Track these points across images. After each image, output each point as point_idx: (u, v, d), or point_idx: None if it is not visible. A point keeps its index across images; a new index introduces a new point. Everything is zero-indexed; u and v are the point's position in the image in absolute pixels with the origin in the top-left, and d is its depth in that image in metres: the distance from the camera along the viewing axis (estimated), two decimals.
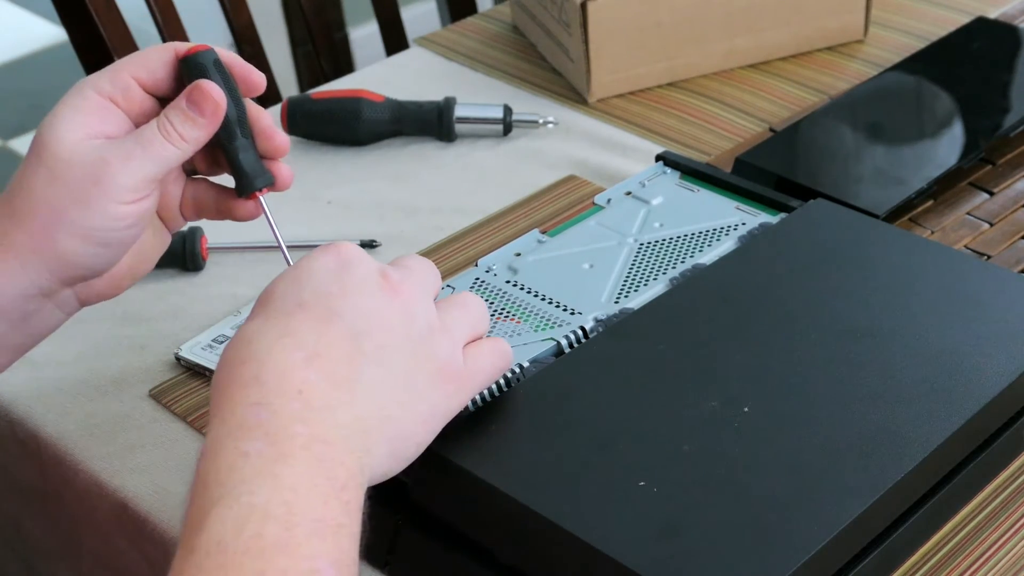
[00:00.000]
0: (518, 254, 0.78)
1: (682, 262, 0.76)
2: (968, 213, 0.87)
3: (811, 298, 0.71)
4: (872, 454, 0.61)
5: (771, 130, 0.99)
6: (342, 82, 1.11)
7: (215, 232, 0.88)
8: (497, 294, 0.75)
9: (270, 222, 0.68)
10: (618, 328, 0.70)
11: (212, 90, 0.65)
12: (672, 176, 0.85)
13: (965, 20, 1.07)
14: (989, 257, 0.83)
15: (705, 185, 0.84)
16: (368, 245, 0.89)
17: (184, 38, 1.23)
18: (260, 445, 0.53)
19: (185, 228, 0.87)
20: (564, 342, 0.70)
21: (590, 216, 0.82)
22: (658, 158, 0.87)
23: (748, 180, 0.83)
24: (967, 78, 0.98)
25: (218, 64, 0.66)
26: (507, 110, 1.00)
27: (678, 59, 1.05)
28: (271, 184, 0.68)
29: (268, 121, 0.68)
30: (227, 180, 0.69)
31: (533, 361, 0.69)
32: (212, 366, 0.78)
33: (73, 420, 0.77)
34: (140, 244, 0.67)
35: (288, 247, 0.69)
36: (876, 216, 0.83)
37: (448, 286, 0.75)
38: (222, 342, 0.80)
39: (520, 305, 0.74)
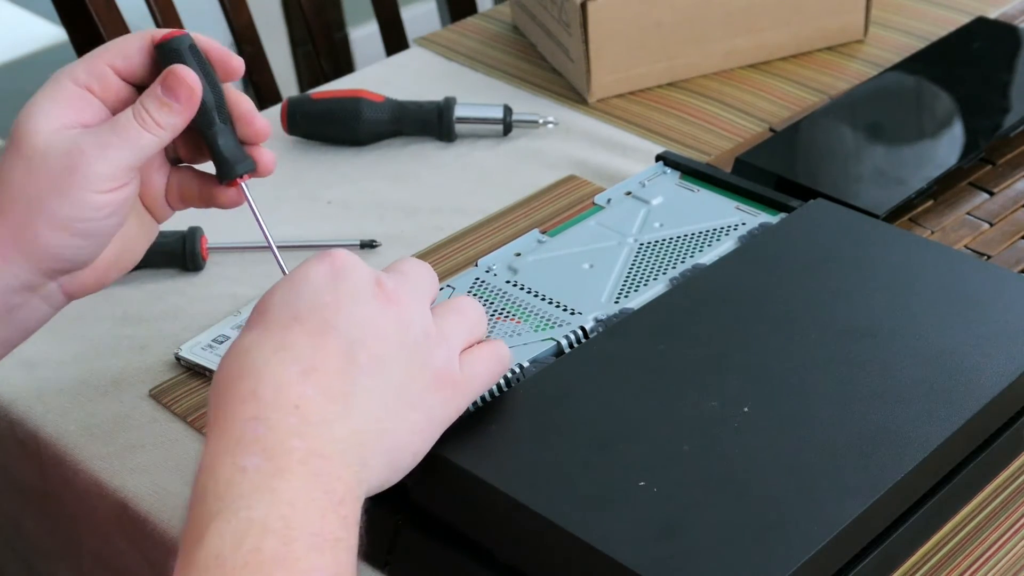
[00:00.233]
0: (518, 254, 0.78)
1: (682, 262, 0.76)
2: (968, 213, 0.87)
3: (811, 298, 0.71)
4: (872, 454, 0.61)
5: (771, 130, 0.99)
6: (342, 82, 1.11)
7: (215, 232, 0.88)
8: (497, 294, 0.75)
9: (252, 208, 0.68)
10: (618, 328, 0.70)
11: (187, 75, 0.64)
12: (672, 176, 0.85)
13: (965, 20, 1.07)
14: (989, 257, 0.83)
15: (705, 185, 0.84)
16: (368, 245, 0.89)
17: None
18: (258, 460, 0.52)
19: (185, 228, 0.87)
20: (564, 342, 0.70)
21: (590, 216, 0.82)
22: (658, 158, 0.87)
23: (748, 180, 0.83)
24: (967, 78, 0.98)
25: (193, 49, 0.65)
26: (507, 110, 1.00)
27: (678, 59, 1.05)
28: (252, 170, 0.67)
29: (248, 106, 0.67)
30: (212, 167, 0.68)
31: (533, 361, 0.69)
32: (212, 366, 0.78)
33: (73, 420, 0.77)
34: (125, 234, 0.67)
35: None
36: (876, 216, 0.83)
37: (448, 286, 0.75)
38: (222, 342, 0.80)
39: (520, 305, 0.74)
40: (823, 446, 0.61)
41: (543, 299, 0.74)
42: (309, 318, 0.57)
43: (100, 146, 0.63)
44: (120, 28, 1.18)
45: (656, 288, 0.74)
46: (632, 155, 0.98)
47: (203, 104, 0.65)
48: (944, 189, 0.89)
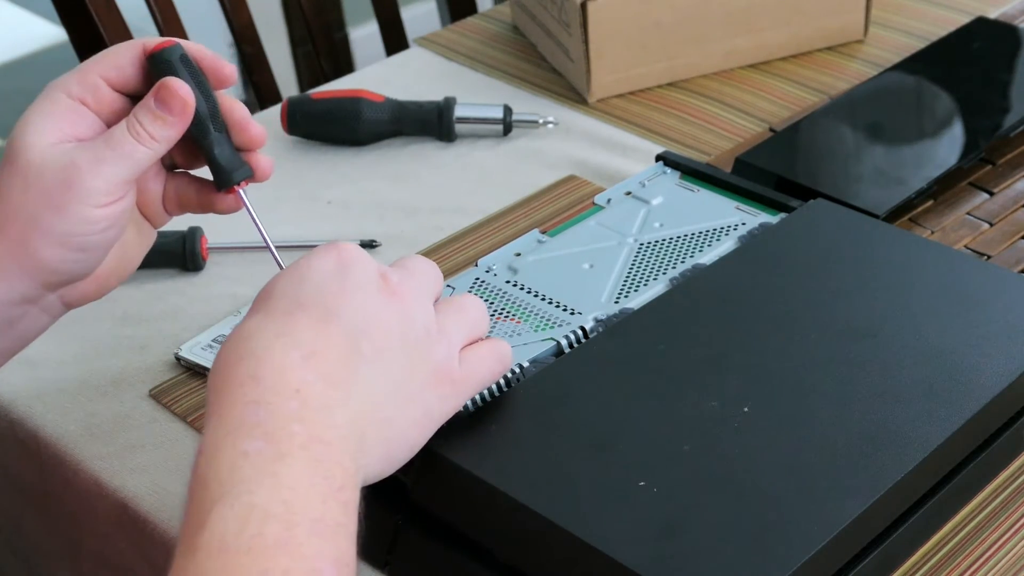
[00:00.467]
0: (518, 254, 0.78)
1: (682, 262, 0.76)
2: (968, 213, 0.87)
3: (811, 298, 0.71)
4: (872, 454, 0.61)
5: (771, 130, 0.99)
6: (342, 82, 1.11)
7: (215, 232, 0.88)
8: (497, 294, 0.75)
9: (252, 215, 0.68)
10: (618, 328, 0.70)
11: (179, 87, 0.64)
12: (672, 176, 0.85)
13: (965, 20, 1.07)
14: (989, 257, 0.83)
15: (705, 185, 0.84)
16: (368, 245, 0.89)
17: (184, 38, 1.23)
18: (259, 444, 0.52)
19: (185, 228, 0.87)
20: (564, 342, 0.70)
21: (590, 216, 0.82)
22: (658, 158, 0.87)
23: (748, 180, 0.83)
24: (967, 78, 0.98)
25: (185, 59, 0.65)
26: (507, 110, 1.00)
27: (678, 59, 1.05)
28: (249, 176, 0.67)
29: (242, 113, 0.67)
30: (209, 173, 0.68)
31: (533, 361, 0.69)
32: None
33: (73, 420, 0.77)
34: (123, 243, 0.67)
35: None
36: (876, 216, 0.83)
37: (448, 286, 0.75)
38: (222, 342, 0.80)
39: (520, 305, 0.74)
40: (823, 446, 0.61)
41: (543, 299, 0.74)
42: (313, 306, 0.58)
43: (95, 161, 0.63)
44: (120, 28, 1.18)
45: (656, 288, 0.74)
46: (632, 155, 0.98)
47: (197, 114, 0.65)
48: (944, 189, 0.89)
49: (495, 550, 0.61)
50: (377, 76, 1.11)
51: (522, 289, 0.75)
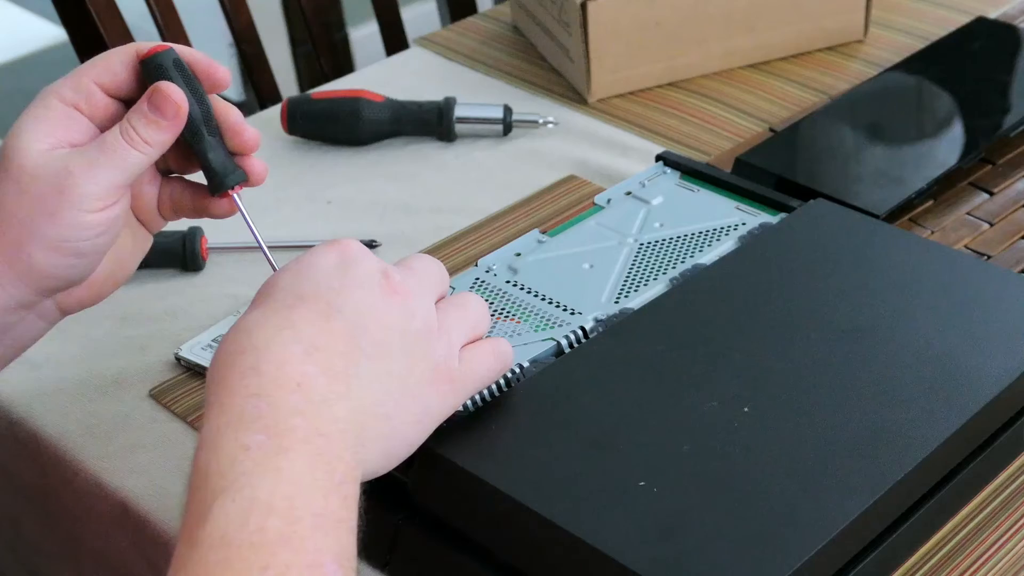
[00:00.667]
0: (518, 254, 0.78)
1: (682, 262, 0.76)
2: (968, 213, 0.87)
3: (811, 298, 0.71)
4: (872, 454, 0.61)
5: (771, 130, 0.99)
6: (342, 82, 1.11)
7: (215, 232, 0.88)
8: (497, 294, 0.75)
9: (246, 219, 0.67)
10: (618, 328, 0.70)
11: (172, 92, 0.64)
12: (672, 176, 0.85)
13: (965, 20, 1.07)
14: (989, 257, 0.83)
15: (705, 185, 0.84)
16: (368, 245, 0.89)
17: (184, 38, 1.24)
18: (260, 438, 0.52)
19: (185, 228, 0.87)
20: (564, 342, 0.70)
21: (590, 216, 0.82)
22: (658, 158, 0.87)
23: (748, 180, 0.83)
24: (967, 78, 0.98)
25: (178, 63, 0.65)
26: (507, 110, 1.00)
27: (678, 59, 1.05)
28: (243, 181, 0.67)
29: (236, 117, 0.67)
30: (204, 178, 0.68)
31: (533, 361, 0.69)
32: None
33: (73, 420, 0.77)
34: (118, 248, 0.67)
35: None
36: (876, 216, 0.83)
37: (448, 286, 0.75)
38: None
39: (520, 305, 0.74)
40: (823, 446, 0.61)
41: (543, 299, 0.74)
42: (315, 300, 0.58)
43: (89, 166, 0.62)
44: (120, 28, 1.18)
45: (656, 288, 0.74)
46: (632, 155, 0.98)
47: (190, 118, 0.65)
48: (944, 189, 0.89)
49: (495, 550, 0.61)
50: (377, 76, 1.11)
51: (522, 289, 0.75)
